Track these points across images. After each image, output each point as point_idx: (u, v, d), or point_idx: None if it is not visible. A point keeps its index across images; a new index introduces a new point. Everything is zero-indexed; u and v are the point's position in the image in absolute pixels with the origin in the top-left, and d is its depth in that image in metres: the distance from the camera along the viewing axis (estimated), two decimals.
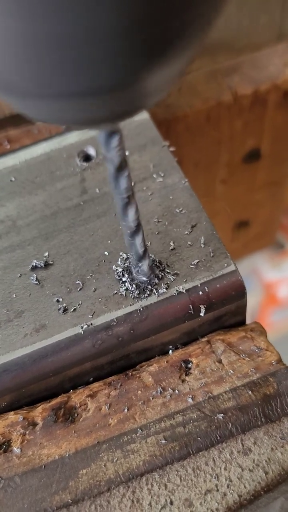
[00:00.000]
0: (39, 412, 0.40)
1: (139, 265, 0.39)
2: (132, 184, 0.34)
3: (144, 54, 0.22)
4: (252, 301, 1.60)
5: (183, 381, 0.40)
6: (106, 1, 0.19)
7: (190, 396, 0.39)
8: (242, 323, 0.44)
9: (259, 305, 1.66)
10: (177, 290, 0.40)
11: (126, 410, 0.39)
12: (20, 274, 0.43)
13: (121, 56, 0.22)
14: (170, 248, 0.43)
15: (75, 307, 0.41)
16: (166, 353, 0.42)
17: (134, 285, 0.41)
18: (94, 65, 0.22)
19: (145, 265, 0.39)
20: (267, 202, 0.88)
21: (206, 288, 0.41)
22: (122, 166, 0.32)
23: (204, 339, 0.42)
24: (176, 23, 0.22)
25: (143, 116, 0.52)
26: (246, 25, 0.65)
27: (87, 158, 0.51)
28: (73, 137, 0.52)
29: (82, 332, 0.40)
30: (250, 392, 0.39)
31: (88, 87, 0.23)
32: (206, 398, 0.39)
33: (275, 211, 0.93)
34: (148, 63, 0.23)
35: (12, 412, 0.40)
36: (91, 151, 0.51)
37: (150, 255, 0.42)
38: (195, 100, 0.63)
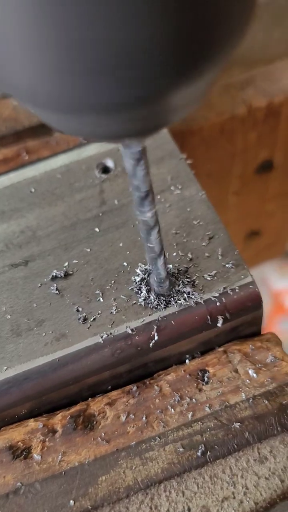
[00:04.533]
0: (59, 420, 0.40)
1: (160, 283, 0.40)
2: (155, 208, 0.35)
3: (174, 69, 0.22)
4: None
5: (200, 390, 0.41)
6: (139, 15, 0.20)
7: (207, 405, 0.40)
8: (257, 333, 0.45)
9: (267, 314, 1.66)
10: (195, 301, 0.41)
11: (144, 418, 0.40)
12: (41, 284, 0.44)
13: (151, 71, 0.22)
14: (188, 259, 0.44)
15: (94, 317, 0.42)
16: (183, 362, 0.43)
17: (152, 296, 0.42)
18: (125, 80, 0.22)
19: (166, 283, 0.40)
20: (279, 212, 0.89)
21: (223, 299, 0.41)
22: (148, 189, 0.33)
23: (220, 349, 0.43)
24: (206, 39, 0.22)
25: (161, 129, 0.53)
26: (260, 39, 0.66)
27: (105, 170, 0.52)
28: (92, 150, 0.53)
29: (102, 342, 0.41)
30: (266, 402, 0.39)
31: (117, 102, 0.23)
32: (223, 407, 0.40)
33: (286, 221, 0.94)
34: (177, 79, 0.23)
35: (32, 420, 0.41)
36: (110, 163, 0.52)
37: (168, 266, 0.43)
38: (210, 113, 0.64)
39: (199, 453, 0.38)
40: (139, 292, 0.42)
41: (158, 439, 0.39)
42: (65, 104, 0.24)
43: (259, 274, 1.62)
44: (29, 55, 0.21)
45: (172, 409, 0.40)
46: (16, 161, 0.55)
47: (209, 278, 0.42)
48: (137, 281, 0.43)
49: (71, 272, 0.45)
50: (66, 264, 0.45)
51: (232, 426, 0.39)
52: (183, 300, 0.41)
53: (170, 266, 0.43)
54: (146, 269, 0.43)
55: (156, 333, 0.41)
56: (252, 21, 0.24)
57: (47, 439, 0.39)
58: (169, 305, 0.41)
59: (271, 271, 1.65)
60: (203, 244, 0.45)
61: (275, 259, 1.38)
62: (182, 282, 0.42)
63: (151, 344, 0.41)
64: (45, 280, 0.44)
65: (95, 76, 0.22)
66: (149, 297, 0.42)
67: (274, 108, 0.66)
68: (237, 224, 0.88)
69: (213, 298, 0.41)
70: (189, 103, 0.27)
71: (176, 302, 0.41)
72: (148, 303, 0.42)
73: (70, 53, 0.21)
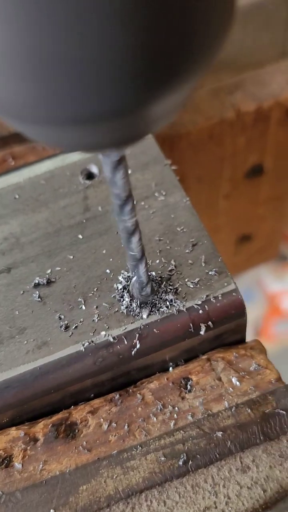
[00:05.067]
0: (41, 428, 0.40)
1: (142, 289, 0.40)
2: (136, 215, 0.35)
3: (151, 80, 0.22)
4: (256, 312, 1.60)
5: (183, 398, 0.40)
6: (112, 30, 0.19)
7: (190, 413, 0.39)
8: (242, 341, 0.45)
9: (263, 316, 1.66)
10: (177, 309, 0.41)
11: (126, 427, 0.39)
12: (23, 291, 0.44)
13: (128, 82, 0.22)
14: (171, 266, 0.44)
15: (76, 325, 0.42)
16: (166, 370, 0.43)
17: (135, 304, 0.41)
18: (101, 91, 0.22)
19: (147, 289, 0.40)
20: (270, 216, 0.88)
21: (206, 306, 0.41)
22: (127, 196, 0.33)
23: (204, 357, 0.43)
24: (183, 49, 0.22)
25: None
26: (249, 44, 0.66)
27: (90, 176, 0.51)
28: (77, 155, 0.52)
29: (83, 350, 0.40)
30: (249, 410, 0.39)
31: (94, 113, 0.23)
32: (206, 415, 0.39)
33: (278, 225, 0.93)
34: (155, 89, 0.23)
35: (13, 428, 0.41)
36: (94, 169, 0.52)
37: (151, 273, 0.43)
38: (198, 118, 0.64)
39: (180, 462, 0.37)
40: (122, 299, 0.42)
41: (140, 448, 0.38)
42: (40, 116, 0.24)
43: (254, 276, 1.63)
44: (5, 67, 0.21)
45: (155, 418, 0.40)
46: (2, 166, 0.55)
47: (192, 286, 0.42)
48: (119, 288, 0.43)
49: (54, 280, 0.44)
50: (49, 271, 0.45)
51: (214, 435, 0.38)
52: (165, 308, 0.41)
53: (153, 273, 0.43)
54: (128, 276, 0.43)
55: (138, 341, 0.40)
56: (229, 33, 0.24)
57: (28, 448, 0.39)
58: (152, 313, 0.41)
59: (266, 273, 1.65)
60: (187, 251, 0.44)
61: (268, 262, 1.38)
62: (165, 289, 0.42)
63: (133, 352, 0.40)
64: (28, 287, 0.44)
65: (69, 88, 0.22)
66: (131, 304, 0.42)
67: (263, 113, 0.66)
68: (229, 228, 0.87)
69: (195, 306, 0.41)
70: (168, 114, 0.26)
71: (158, 310, 0.41)
72: (131, 310, 0.41)
73: (44, 66, 0.21)
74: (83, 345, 0.40)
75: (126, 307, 0.42)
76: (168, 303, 0.41)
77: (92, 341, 0.41)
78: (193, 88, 0.26)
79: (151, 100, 0.23)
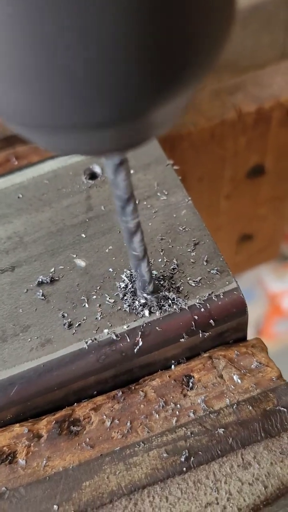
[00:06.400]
0: (44, 425, 0.41)
1: (144, 287, 0.41)
2: (138, 216, 0.35)
3: (153, 87, 0.22)
4: (257, 311, 1.61)
5: (185, 395, 0.41)
6: (114, 39, 0.20)
7: (192, 410, 0.40)
8: (243, 339, 0.45)
9: (264, 315, 1.66)
10: (180, 307, 0.41)
11: (129, 424, 0.40)
12: (27, 290, 0.44)
13: (131, 89, 0.22)
14: (173, 265, 0.44)
15: (79, 322, 0.42)
16: (168, 367, 0.43)
17: (137, 302, 0.42)
18: (103, 98, 0.22)
19: (149, 288, 0.41)
20: (271, 216, 0.89)
21: (208, 305, 0.42)
22: (129, 198, 0.33)
23: (206, 355, 0.43)
24: (183, 54, 0.22)
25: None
26: (250, 45, 0.66)
27: (93, 176, 0.52)
28: (80, 155, 0.53)
29: (87, 347, 0.41)
30: (250, 408, 0.40)
31: (96, 120, 0.23)
32: (207, 412, 0.40)
33: (279, 225, 0.94)
34: (157, 96, 0.23)
35: (17, 424, 0.41)
36: (97, 169, 0.52)
37: (154, 272, 0.43)
38: (200, 118, 0.64)
39: (182, 459, 0.38)
40: (124, 298, 0.43)
41: (142, 444, 0.39)
42: (42, 123, 0.24)
43: (255, 276, 1.63)
44: (11, 76, 0.21)
45: (157, 415, 0.40)
46: (5, 166, 0.55)
47: (194, 284, 0.43)
48: (122, 287, 0.43)
49: (57, 278, 0.45)
50: (52, 270, 0.45)
51: (216, 432, 0.39)
52: (167, 306, 0.41)
53: (155, 272, 0.43)
54: (131, 275, 0.44)
55: (140, 339, 0.41)
56: (230, 36, 0.24)
57: (32, 444, 0.40)
58: (154, 311, 0.41)
59: (267, 273, 1.66)
60: (189, 250, 0.45)
61: (270, 262, 1.39)
62: (167, 288, 0.42)
63: (135, 350, 0.41)
64: (31, 285, 0.45)
65: (72, 96, 0.22)
66: (134, 303, 0.42)
67: (264, 113, 0.67)
68: (230, 228, 0.88)
69: (197, 304, 0.42)
70: (170, 119, 0.27)
71: (160, 308, 0.41)
72: (133, 309, 0.42)
73: (48, 76, 0.21)
74: (86, 342, 0.41)
75: (129, 305, 0.42)
76: (170, 301, 0.42)
77: (95, 339, 0.41)
78: (194, 93, 0.26)
79: (153, 106, 0.23)
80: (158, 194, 0.49)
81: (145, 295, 0.41)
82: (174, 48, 0.22)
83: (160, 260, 0.44)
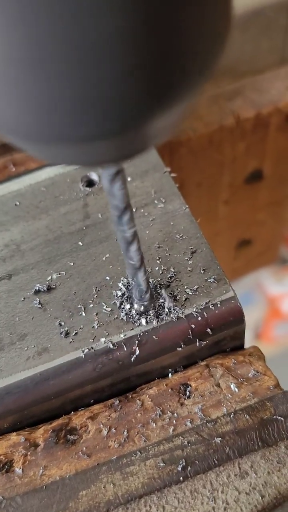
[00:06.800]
0: (41, 434, 0.40)
1: (141, 296, 0.40)
2: (135, 226, 0.35)
3: (149, 100, 0.22)
4: (256, 315, 1.61)
5: (182, 404, 0.41)
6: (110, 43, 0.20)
7: (189, 419, 0.40)
8: (240, 347, 0.45)
9: (263, 319, 1.66)
10: (176, 316, 0.41)
11: (125, 433, 0.40)
12: (24, 298, 0.44)
13: (127, 103, 0.22)
14: (171, 274, 0.44)
15: (76, 331, 0.42)
16: (165, 376, 0.43)
17: (134, 310, 0.42)
18: (100, 110, 0.22)
19: (146, 296, 0.41)
20: (269, 221, 0.89)
21: (205, 313, 0.42)
22: (125, 207, 0.33)
23: (203, 363, 0.43)
24: (179, 67, 0.22)
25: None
26: (249, 50, 0.66)
27: (90, 183, 0.52)
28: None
29: (83, 356, 0.41)
30: (247, 416, 0.40)
31: (93, 132, 0.23)
32: (204, 421, 0.40)
33: (278, 230, 0.94)
34: (154, 107, 0.23)
35: (14, 433, 0.41)
36: (94, 177, 0.52)
37: (151, 280, 0.43)
38: (198, 124, 0.64)
39: (179, 468, 0.38)
40: (121, 306, 0.42)
41: (139, 453, 0.39)
42: (38, 135, 0.24)
43: (255, 279, 1.63)
44: (9, 91, 0.21)
45: (154, 424, 0.40)
46: (3, 173, 0.55)
47: (191, 293, 0.43)
48: (119, 295, 0.43)
49: (54, 286, 0.45)
50: (49, 278, 0.45)
51: (213, 441, 0.39)
52: (164, 315, 0.41)
53: (152, 280, 0.43)
54: (128, 283, 0.43)
55: (137, 348, 0.41)
56: (225, 48, 0.24)
57: (28, 453, 0.40)
58: (151, 320, 0.41)
59: (267, 276, 1.66)
60: (186, 258, 0.45)
61: (268, 266, 1.39)
62: (164, 296, 0.42)
63: (132, 359, 0.41)
64: (28, 294, 0.45)
65: (67, 109, 0.22)
66: (130, 311, 0.42)
67: (262, 119, 0.67)
68: (229, 233, 0.88)
69: (194, 313, 0.42)
70: (166, 130, 0.27)
71: (157, 317, 0.41)
72: (130, 317, 0.42)
73: (42, 89, 0.21)
74: (83, 351, 0.41)
75: (126, 314, 0.42)
76: (167, 310, 0.42)
77: (92, 348, 0.41)
78: (191, 105, 0.26)
79: (149, 119, 0.23)
80: (156, 201, 0.49)
81: (142, 303, 0.41)
82: (168, 64, 0.22)
83: (157, 268, 0.44)
